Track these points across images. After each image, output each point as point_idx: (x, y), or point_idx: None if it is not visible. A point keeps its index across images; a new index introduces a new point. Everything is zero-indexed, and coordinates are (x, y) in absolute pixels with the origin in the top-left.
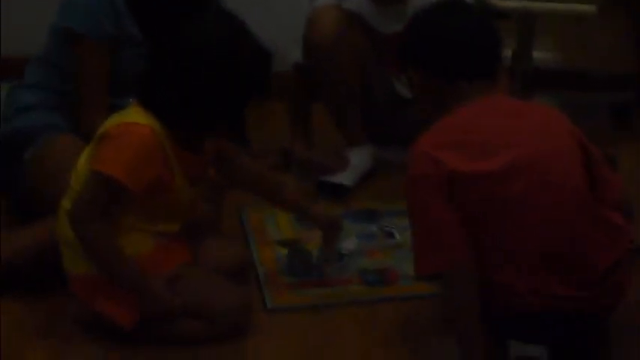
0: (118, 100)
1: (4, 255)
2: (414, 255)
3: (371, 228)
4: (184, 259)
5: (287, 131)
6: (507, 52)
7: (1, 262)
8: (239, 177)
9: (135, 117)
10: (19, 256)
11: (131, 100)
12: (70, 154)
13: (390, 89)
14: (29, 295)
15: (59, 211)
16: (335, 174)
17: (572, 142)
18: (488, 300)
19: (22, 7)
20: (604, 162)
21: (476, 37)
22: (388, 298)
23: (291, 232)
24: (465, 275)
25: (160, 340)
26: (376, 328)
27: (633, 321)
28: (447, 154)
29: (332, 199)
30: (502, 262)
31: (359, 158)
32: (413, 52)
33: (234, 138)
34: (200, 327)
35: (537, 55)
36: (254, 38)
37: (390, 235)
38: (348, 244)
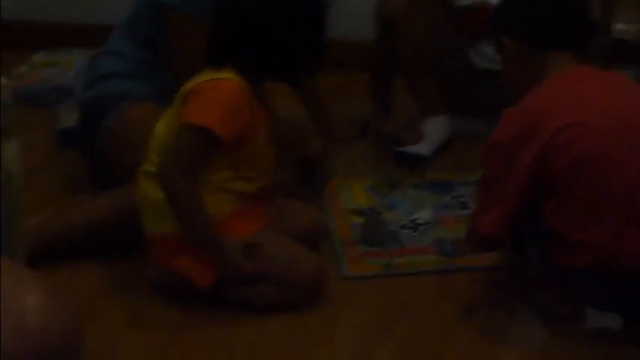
0: None
1: (80, 220)
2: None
3: (446, 198)
4: (262, 223)
5: (368, 101)
6: None
7: (78, 227)
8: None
9: (218, 74)
10: (93, 223)
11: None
12: (148, 122)
13: (465, 60)
14: (105, 261)
15: (139, 175)
16: (411, 145)
17: None
18: (573, 262)
19: None
20: None
21: (568, 8)
22: (464, 268)
23: (366, 200)
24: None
25: (234, 304)
26: (452, 297)
27: None
28: (541, 116)
29: (409, 169)
30: (590, 221)
31: (436, 128)
32: (508, 19)
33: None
34: (275, 293)
35: (619, 27)
36: None
37: (465, 205)
38: (424, 214)
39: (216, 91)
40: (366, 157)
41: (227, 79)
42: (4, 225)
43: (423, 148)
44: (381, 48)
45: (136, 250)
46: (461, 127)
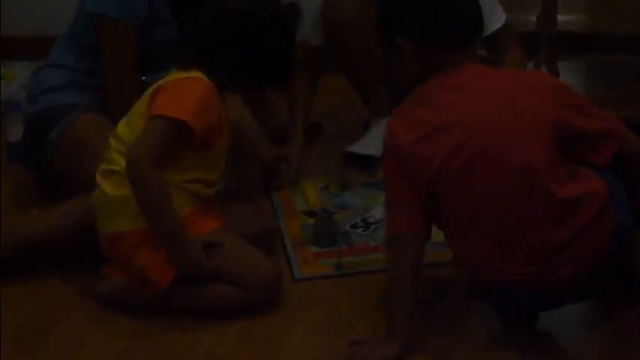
0: (147, 77)
1: (34, 233)
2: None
3: None
4: (218, 223)
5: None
6: (532, 16)
7: (31, 239)
8: None
9: (188, 74)
10: (47, 235)
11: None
12: (94, 132)
13: None
14: (63, 272)
15: (97, 177)
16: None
17: (535, 118)
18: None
19: None
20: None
21: (460, 8)
22: None
23: (318, 201)
24: (404, 244)
25: (191, 309)
26: None
27: None
28: (405, 134)
29: (359, 169)
30: (456, 236)
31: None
32: (391, 20)
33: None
34: (232, 295)
35: (562, 18)
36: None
37: None
38: (375, 212)
39: (188, 86)
40: (316, 157)
41: (198, 78)
42: None
43: (374, 149)
44: (320, 56)
45: (92, 260)
46: None
